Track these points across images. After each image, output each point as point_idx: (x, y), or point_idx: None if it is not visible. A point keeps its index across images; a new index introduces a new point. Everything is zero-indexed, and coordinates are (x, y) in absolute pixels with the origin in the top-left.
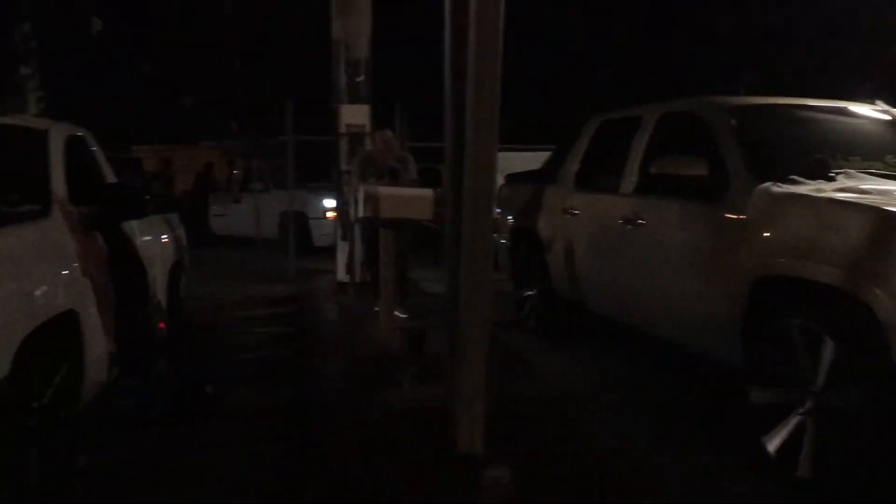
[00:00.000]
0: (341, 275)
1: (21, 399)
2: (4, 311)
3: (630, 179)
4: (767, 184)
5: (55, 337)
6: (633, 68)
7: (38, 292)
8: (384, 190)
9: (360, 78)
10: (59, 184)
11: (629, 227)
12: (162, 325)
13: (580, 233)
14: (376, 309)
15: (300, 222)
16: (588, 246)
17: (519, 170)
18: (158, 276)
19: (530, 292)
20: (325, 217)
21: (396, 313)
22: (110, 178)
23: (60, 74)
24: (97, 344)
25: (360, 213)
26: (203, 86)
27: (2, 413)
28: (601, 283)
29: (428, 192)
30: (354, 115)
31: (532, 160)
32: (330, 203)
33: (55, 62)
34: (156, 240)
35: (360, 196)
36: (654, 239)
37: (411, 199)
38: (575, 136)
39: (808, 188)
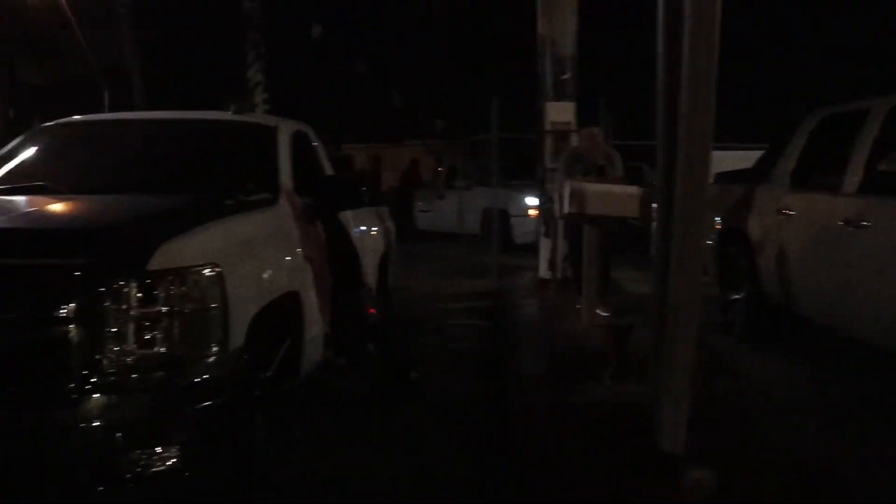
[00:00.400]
0: (543, 271)
1: (251, 370)
2: (241, 288)
3: (853, 178)
4: None
5: (280, 315)
6: (852, 61)
7: (267, 273)
8: (591, 186)
9: (566, 76)
10: (286, 175)
11: (851, 228)
12: (372, 310)
13: (795, 234)
14: (578, 306)
15: (502, 219)
16: (804, 248)
17: (728, 169)
18: (369, 265)
19: (737, 295)
20: (526, 215)
21: (598, 311)
22: (329, 171)
23: (283, 77)
24: (315, 324)
25: (565, 210)
26: (412, 85)
27: (235, 381)
28: (817, 288)
29: (635, 190)
30: (560, 112)
31: (742, 159)
32: (532, 201)
33: (279, 66)
34: (367, 230)
35: (566, 192)
36: (881, 242)
37: (618, 197)
38: (790, 133)
39: None
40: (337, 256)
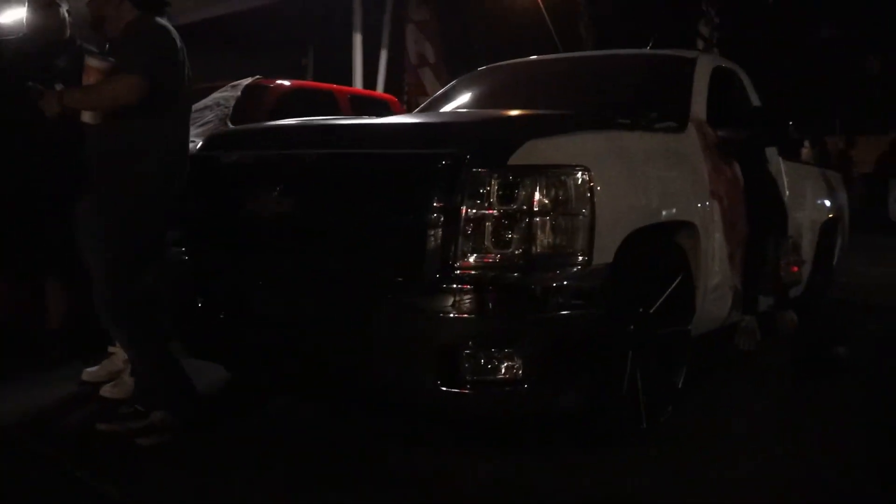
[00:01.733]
0: None
1: (621, 296)
2: (616, 199)
3: None
4: None
5: (667, 246)
6: None
7: (651, 193)
8: None
9: None
10: (698, 107)
11: None
12: (794, 268)
13: None
14: None
15: None
16: None
17: None
18: (805, 225)
19: None
20: None
21: None
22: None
23: (737, 40)
24: (716, 271)
25: None
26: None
27: (598, 299)
28: None
29: None
30: None
31: None
32: None
33: (733, 28)
34: (805, 188)
35: None
36: None
37: None
38: None
39: None
40: (756, 202)
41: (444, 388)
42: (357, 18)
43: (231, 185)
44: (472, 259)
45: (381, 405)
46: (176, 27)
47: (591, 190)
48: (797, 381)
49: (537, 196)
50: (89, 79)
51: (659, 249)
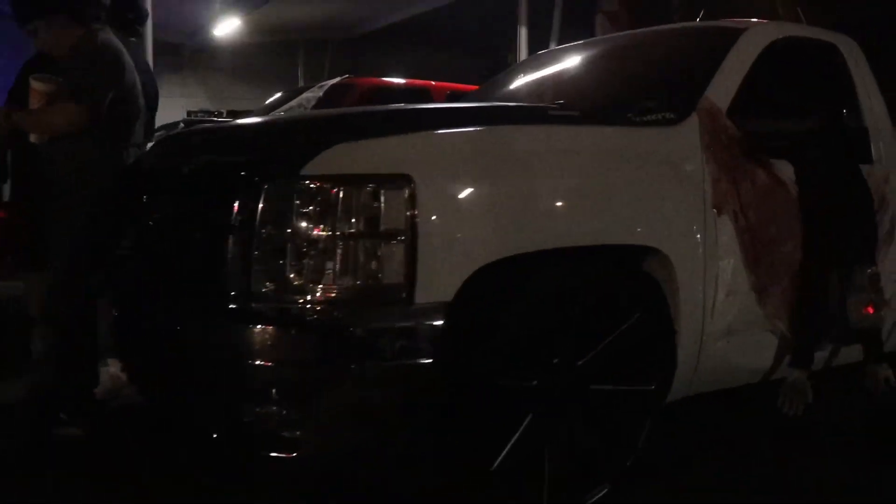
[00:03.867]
0: None
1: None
2: (461, 218)
3: None
4: None
5: (612, 279)
6: None
7: (551, 207)
8: None
9: None
10: (717, 92)
11: None
12: (870, 309)
13: None
14: None
15: None
16: None
17: None
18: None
19: None
20: None
21: None
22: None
23: None
24: (721, 311)
25: None
26: None
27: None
28: None
29: None
30: None
31: None
32: None
33: None
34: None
35: None
36: None
37: None
38: None
39: None
40: (818, 220)
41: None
42: (522, 11)
43: (126, 189)
44: (262, 290)
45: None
46: (386, 25)
47: (413, 206)
48: (873, 458)
49: (336, 214)
50: (33, 101)
51: (589, 281)
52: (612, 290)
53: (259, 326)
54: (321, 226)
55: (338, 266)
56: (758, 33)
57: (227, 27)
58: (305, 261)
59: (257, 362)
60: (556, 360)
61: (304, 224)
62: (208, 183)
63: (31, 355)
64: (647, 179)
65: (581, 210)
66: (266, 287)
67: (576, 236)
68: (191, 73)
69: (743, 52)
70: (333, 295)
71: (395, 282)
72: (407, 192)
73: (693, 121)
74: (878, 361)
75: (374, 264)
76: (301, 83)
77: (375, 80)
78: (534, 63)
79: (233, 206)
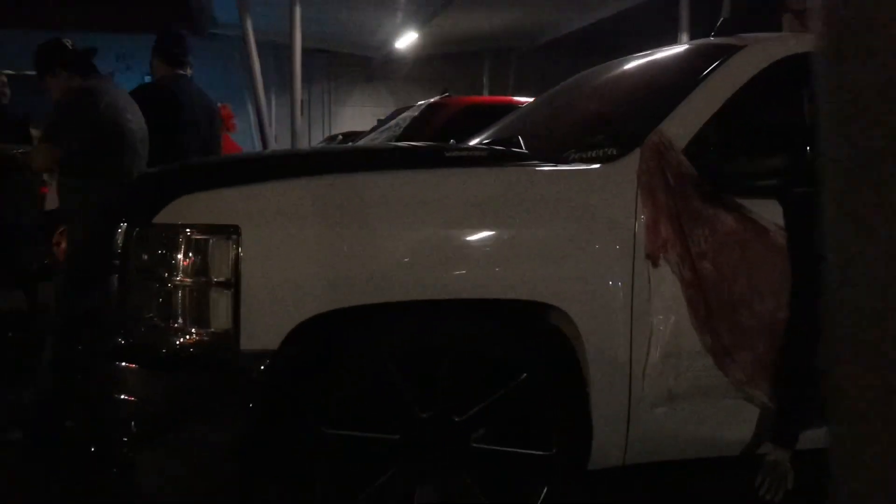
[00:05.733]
0: None
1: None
2: (292, 266)
3: None
4: None
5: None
6: None
7: (403, 256)
8: None
9: None
10: (677, 123)
11: None
12: None
13: None
14: None
15: None
16: None
17: None
18: None
19: None
20: None
21: None
22: None
23: None
24: (656, 375)
25: None
26: None
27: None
28: None
29: None
30: None
31: None
32: None
33: None
34: None
35: None
36: None
37: None
38: None
39: None
40: (810, 272)
41: None
42: (684, 14)
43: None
44: (121, 328)
45: None
46: (569, 33)
47: (238, 256)
48: None
49: (175, 260)
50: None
51: (462, 335)
52: (492, 346)
53: (115, 363)
54: (164, 272)
55: (177, 310)
56: (753, 53)
57: (407, 40)
58: (153, 303)
59: (114, 395)
60: (424, 415)
61: (152, 269)
62: (112, 224)
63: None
64: (542, 227)
65: (438, 261)
66: (126, 326)
67: (429, 289)
68: (381, 84)
69: (727, 75)
70: (173, 338)
71: (222, 328)
72: (234, 241)
73: (633, 158)
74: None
75: (204, 310)
76: (486, 93)
77: (470, 98)
78: (555, 92)
79: (116, 249)
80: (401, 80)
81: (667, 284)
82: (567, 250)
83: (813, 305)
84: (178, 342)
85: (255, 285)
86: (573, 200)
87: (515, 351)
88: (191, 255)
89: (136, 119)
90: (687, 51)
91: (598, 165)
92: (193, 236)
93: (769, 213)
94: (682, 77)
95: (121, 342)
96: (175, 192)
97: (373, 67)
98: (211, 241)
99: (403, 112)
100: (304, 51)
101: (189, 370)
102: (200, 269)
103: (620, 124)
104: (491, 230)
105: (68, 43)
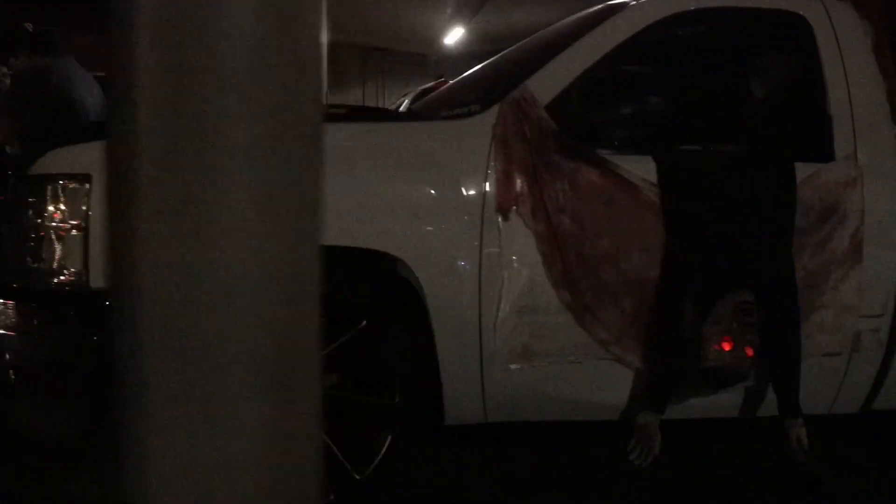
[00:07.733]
0: None
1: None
2: None
3: None
4: None
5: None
6: None
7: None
8: None
9: None
10: (545, 79)
11: None
12: (726, 345)
13: None
14: None
15: None
16: None
17: None
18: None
19: None
20: None
21: None
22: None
23: None
24: (508, 326)
25: None
26: None
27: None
28: None
29: None
30: None
31: None
32: None
33: None
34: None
35: None
36: None
37: None
38: None
39: None
40: (682, 234)
41: None
42: None
43: None
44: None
45: None
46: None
47: (89, 201)
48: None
49: (37, 208)
50: None
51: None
52: (335, 292)
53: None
54: (35, 217)
55: (43, 252)
56: (638, 9)
57: (454, 35)
58: (27, 245)
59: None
60: None
61: (25, 215)
62: None
63: None
64: (390, 179)
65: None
66: (7, 267)
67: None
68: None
69: (603, 34)
70: (39, 276)
71: (76, 268)
72: (85, 189)
73: (491, 113)
74: (793, 416)
75: (61, 251)
76: None
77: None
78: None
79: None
80: (453, 77)
81: (519, 238)
82: (413, 203)
83: (686, 264)
84: (46, 282)
85: (101, 229)
86: (424, 155)
87: (358, 298)
88: (52, 202)
89: (91, 97)
90: (589, 12)
91: (451, 121)
92: (53, 184)
93: (644, 170)
94: (572, 39)
95: (4, 282)
96: (55, 148)
97: (427, 64)
98: (67, 188)
99: (404, 96)
100: (360, 48)
101: (56, 309)
102: (60, 215)
103: (505, 85)
104: (340, 181)
105: (28, 27)
